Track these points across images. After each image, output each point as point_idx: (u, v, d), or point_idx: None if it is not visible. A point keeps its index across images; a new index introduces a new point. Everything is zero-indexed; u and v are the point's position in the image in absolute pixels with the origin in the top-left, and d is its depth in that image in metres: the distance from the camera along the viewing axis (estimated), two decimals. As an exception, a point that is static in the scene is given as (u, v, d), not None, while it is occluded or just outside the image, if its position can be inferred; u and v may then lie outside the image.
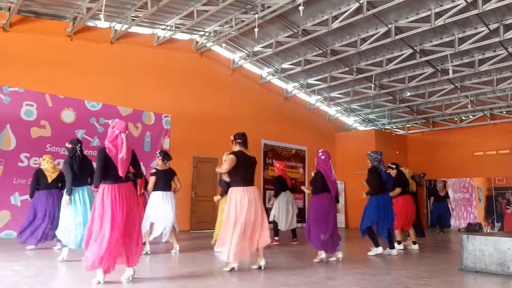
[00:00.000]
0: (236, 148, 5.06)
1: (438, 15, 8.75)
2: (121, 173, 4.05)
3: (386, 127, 16.41)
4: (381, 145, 14.31)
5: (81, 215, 5.35)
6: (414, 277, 4.65)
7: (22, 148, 8.41)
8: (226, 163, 4.99)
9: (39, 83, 8.81)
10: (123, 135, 4.11)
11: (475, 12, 8.12)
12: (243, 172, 4.91)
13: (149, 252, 6.17)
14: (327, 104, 15.16)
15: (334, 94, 14.15)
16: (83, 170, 5.49)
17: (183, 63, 11.39)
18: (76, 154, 5.45)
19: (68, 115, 9.15)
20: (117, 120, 4.38)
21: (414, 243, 7.44)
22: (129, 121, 10.03)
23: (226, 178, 5.54)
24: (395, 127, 16.59)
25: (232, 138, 5.12)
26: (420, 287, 4.15)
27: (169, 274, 4.75)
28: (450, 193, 14.26)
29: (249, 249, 4.83)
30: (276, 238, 8.13)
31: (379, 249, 6.48)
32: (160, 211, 6.20)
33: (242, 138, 5.07)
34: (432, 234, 11.92)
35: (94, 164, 4.30)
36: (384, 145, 14.49)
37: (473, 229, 13.14)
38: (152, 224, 6.30)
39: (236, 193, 4.85)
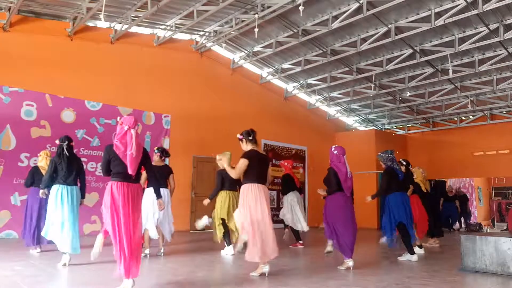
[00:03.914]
0: (248, 146, 4.81)
1: (438, 15, 8.75)
2: (131, 171, 3.77)
3: (386, 127, 16.41)
4: (381, 145, 14.29)
5: (67, 215, 5.22)
6: (414, 277, 4.65)
7: (22, 148, 8.41)
8: (237, 169, 4.71)
9: (39, 83, 8.81)
10: (132, 131, 3.84)
11: (475, 12, 8.12)
12: (256, 170, 4.69)
13: (148, 254, 6.03)
14: (327, 104, 15.16)
15: (334, 94, 14.15)
16: (71, 169, 5.36)
17: (183, 63, 11.39)
18: (63, 153, 5.33)
19: (68, 115, 9.15)
20: (126, 116, 4.19)
21: (419, 246, 6.97)
22: (129, 121, 10.03)
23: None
24: (395, 127, 16.59)
25: (239, 136, 4.83)
26: (420, 287, 4.15)
27: (168, 275, 4.75)
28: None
29: (267, 253, 4.56)
30: (300, 242, 7.81)
31: (414, 257, 6.02)
32: (149, 208, 6.00)
33: (252, 135, 4.78)
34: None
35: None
36: (384, 145, 14.42)
37: (473, 229, 13.19)
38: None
39: (250, 189, 4.64)
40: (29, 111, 8.64)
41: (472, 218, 15.28)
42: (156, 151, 6.39)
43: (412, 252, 6.11)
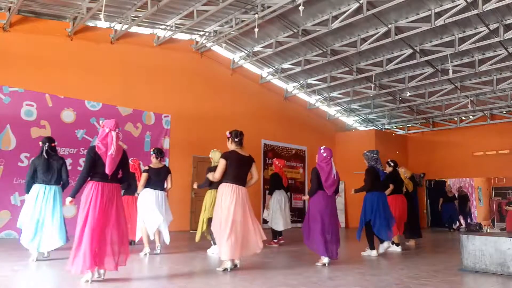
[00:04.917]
0: (231, 146, 4.99)
1: (438, 15, 8.75)
2: (107, 171, 4.01)
3: (386, 127, 16.41)
4: (381, 145, 14.30)
5: (42, 214, 5.27)
6: (414, 277, 4.65)
7: (22, 148, 8.40)
8: (217, 171, 4.88)
9: (39, 83, 8.81)
10: (113, 133, 4.11)
11: (475, 12, 8.12)
12: (234, 171, 4.85)
13: (148, 253, 6.05)
14: (327, 104, 15.16)
15: (334, 94, 14.15)
16: (51, 170, 5.44)
17: (183, 63, 11.39)
18: (42, 154, 5.45)
19: (68, 115, 9.15)
20: (108, 120, 4.31)
21: (397, 244, 7.14)
22: (129, 121, 10.04)
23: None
24: (395, 127, 16.59)
25: (228, 134, 5.03)
26: (420, 287, 4.14)
27: (168, 274, 4.75)
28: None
29: (240, 251, 4.74)
30: (275, 240, 7.94)
31: (374, 252, 6.38)
32: (148, 209, 6.05)
33: (238, 138, 4.98)
34: (431, 233, 11.93)
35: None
36: (384, 145, 14.49)
37: (473, 229, 13.20)
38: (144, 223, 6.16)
39: (225, 189, 4.82)
40: (29, 111, 8.64)
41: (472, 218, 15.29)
42: (152, 152, 6.40)
43: (372, 248, 6.41)
